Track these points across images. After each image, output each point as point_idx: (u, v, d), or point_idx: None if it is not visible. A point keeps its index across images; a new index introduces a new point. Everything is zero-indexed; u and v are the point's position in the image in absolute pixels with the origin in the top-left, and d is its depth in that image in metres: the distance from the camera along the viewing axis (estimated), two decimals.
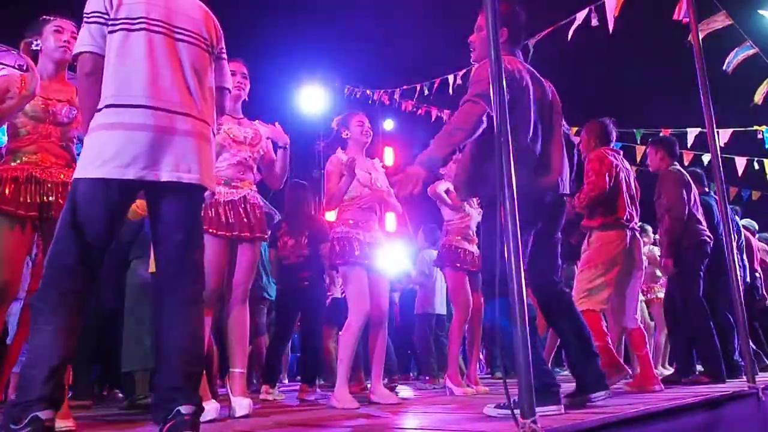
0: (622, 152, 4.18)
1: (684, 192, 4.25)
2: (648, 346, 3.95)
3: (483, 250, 2.66)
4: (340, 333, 3.49)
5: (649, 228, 6.13)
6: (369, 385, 3.88)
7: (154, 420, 1.86)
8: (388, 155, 15.37)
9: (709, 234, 4.33)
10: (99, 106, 1.91)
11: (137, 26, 1.96)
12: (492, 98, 1.83)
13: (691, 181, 4.38)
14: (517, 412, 1.62)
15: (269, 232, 3.02)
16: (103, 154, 1.84)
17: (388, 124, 15.34)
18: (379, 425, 2.38)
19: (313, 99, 12.87)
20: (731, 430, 2.64)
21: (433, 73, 8.37)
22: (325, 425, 2.39)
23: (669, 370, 5.56)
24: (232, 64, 2.97)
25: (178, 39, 2.02)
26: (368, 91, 10.43)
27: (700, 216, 4.36)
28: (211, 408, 2.60)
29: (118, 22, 1.96)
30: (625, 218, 3.78)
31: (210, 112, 2.07)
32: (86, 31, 1.97)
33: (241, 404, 2.68)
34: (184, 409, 1.76)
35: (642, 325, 4.00)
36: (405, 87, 9.31)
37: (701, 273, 4.27)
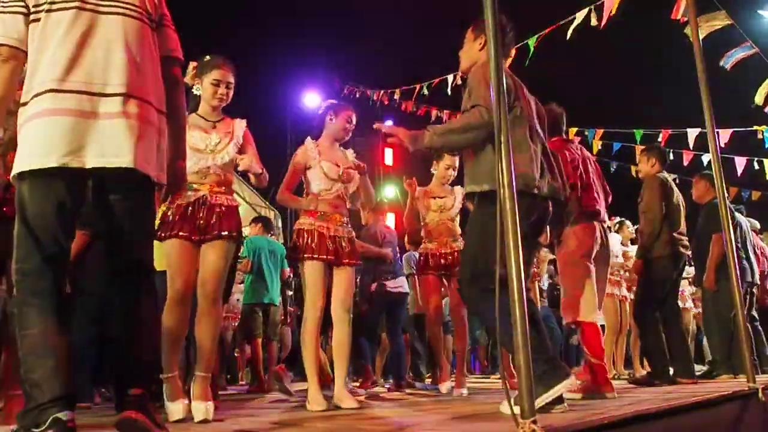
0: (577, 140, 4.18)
1: (664, 198, 4.36)
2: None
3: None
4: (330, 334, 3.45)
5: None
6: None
7: (116, 411, 1.82)
8: (388, 155, 15.36)
9: (685, 244, 4.43)
10: (25, 100, 1.80)
11: (57, 5, 1.82)
12: (492, 96, 1.83)
13: (674, 189, 4.50)
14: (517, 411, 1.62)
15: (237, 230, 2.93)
16: (28, 146, 1.76)
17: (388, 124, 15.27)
18: (375, 425, 2.38)
19: (313, 99, 12.84)
20: (731, 430, 2.64)
21: (433, 73, 8.38)
22: (324, 425, 2.39)
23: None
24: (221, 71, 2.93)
25: (104, 12, 1.87)
26: (368, 91, 10.43)
27: (681, 225, 4.45)
28: (209, 408, 2.61)
29: (40, 6, 1.83)
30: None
31: (150, 87, 1.91)
32: (1, 22, 1.85)
33: (199, 408, 2.60)
34: (132, 390, 1.75)
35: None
36: (405, 87, 9.31)
37: (668, 283, 4.39)
